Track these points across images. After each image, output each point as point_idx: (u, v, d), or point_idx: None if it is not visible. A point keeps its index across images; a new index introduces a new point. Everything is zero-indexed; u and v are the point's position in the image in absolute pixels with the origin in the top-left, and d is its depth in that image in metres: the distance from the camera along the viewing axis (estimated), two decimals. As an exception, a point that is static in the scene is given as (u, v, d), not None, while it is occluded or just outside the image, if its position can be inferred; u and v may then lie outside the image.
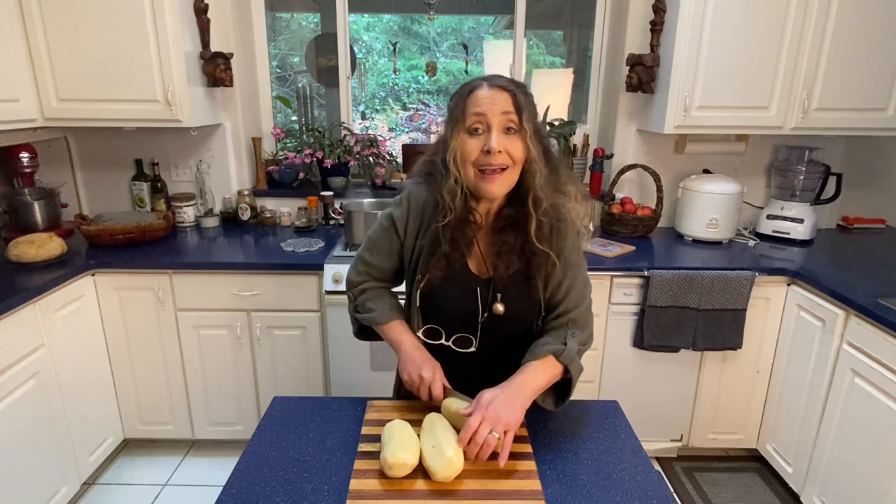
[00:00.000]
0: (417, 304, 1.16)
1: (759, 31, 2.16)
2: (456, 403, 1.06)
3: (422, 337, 1.18)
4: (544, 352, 1.08)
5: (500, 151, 0.98)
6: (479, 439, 0.95)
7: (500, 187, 1.03)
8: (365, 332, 1.30)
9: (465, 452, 0.97)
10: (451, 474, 0.93)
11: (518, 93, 1.00)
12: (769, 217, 2.52)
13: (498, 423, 0.96)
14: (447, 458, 0.93)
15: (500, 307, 1.12)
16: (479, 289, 1.12)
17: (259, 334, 2.20)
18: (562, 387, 1.13)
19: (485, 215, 1.12)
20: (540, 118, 1.10)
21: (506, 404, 0.99)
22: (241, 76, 2.57)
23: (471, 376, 1.19)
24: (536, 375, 1.07)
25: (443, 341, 1.17)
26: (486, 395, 1.01)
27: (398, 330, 1.19)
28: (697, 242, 2.45)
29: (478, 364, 1.18)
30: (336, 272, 2.05)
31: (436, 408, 1.11)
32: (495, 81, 1.01)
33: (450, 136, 1.03)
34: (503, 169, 1.02)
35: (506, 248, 1.09)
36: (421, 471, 0.97)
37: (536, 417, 1.15)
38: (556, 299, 1.15)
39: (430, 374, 1.10)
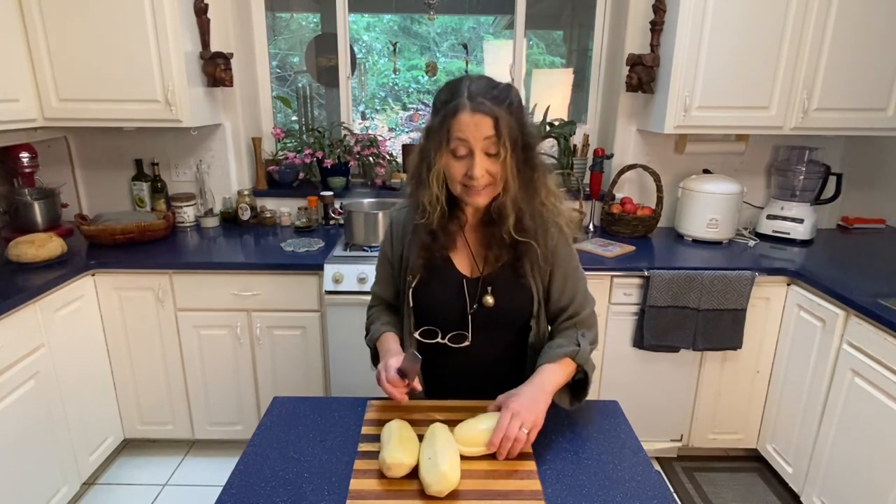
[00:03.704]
0: (410, 304, 1.19)
1: (759, 30, 2.16)
2: (483, 422, 1.04)
3: (419, 338, 1.19)
4: (560, 354, 1.11)
5: (482, 175, 1.03)
6: (511, 434, 0.98)
7: (484, 199, 1.08)
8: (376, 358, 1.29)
9: (497, 451, 0.99)
10: (444, 489, 0.91)
11: (500, 114, 0.99)
12: (769, 217, 2.52)
13: (525, 420, 1.00)
14: (441, 472, 0.91)
15: (489, 299, 1.15)
16: (465, 282, 1.16)
17: (259, 334, 2.20)
18: (574, 386, 1.16)
19: (471, 214, 1.16)
20: (538, 118, 1.12)
21: (530, 401, 1.03)
22: (241, 76, 2.57)
23: (469, 373, 1.21)
24: (554, 374, 1.10)
25: (438, 339, 1.18)
26: (509, 396, 1.05)
27: (385, 341, 1.21)
28: (697, 242, 2.44)
29: (476, 361, 1.20)
30: (336, 272, 2.05)
31: (438, 408, 1.12)
32: (478, 106, 0.99)
33: (434, 152, 1.05)
34: (486, 184, 1.06)
35: (495, 239, 1.12)
36: (420, 471, 0.97)
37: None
38: (561, 304, 1.19)
39: (382, 365, 1.10)
